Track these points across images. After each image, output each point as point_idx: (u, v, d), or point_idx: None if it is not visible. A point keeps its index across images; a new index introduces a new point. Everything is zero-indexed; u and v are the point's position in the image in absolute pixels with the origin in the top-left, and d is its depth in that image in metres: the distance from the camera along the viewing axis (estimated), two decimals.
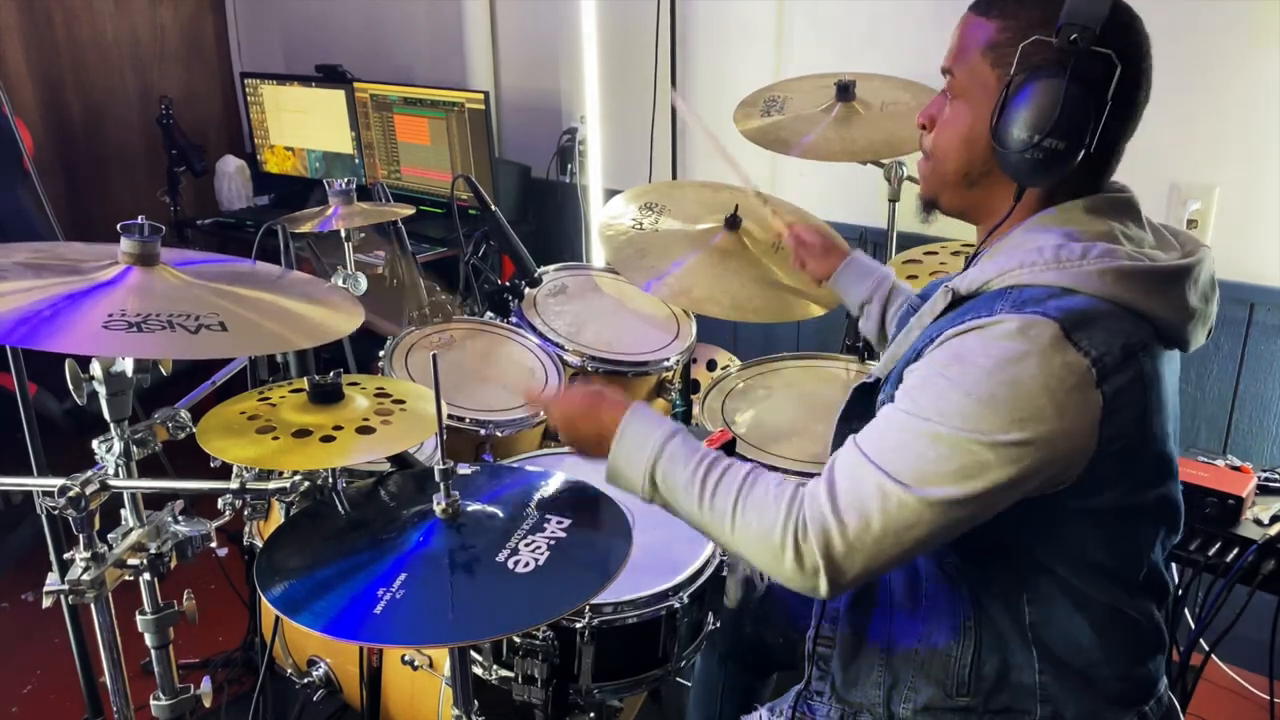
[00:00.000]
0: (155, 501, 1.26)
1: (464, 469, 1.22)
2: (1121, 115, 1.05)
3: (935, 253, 2.12)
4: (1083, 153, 1.03)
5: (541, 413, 1.23)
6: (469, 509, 1.11)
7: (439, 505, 1.08)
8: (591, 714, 1.40)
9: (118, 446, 1.20)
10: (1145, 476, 1.05)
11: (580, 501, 1.18)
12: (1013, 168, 1.06)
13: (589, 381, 1.64)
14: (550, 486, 1.21)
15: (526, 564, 1.04)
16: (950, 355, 1.00)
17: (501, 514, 1.13)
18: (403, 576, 1.01)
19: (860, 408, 1.18)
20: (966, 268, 1.17)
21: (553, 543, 1.08)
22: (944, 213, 1.20)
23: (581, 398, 1.20)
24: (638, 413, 1.14)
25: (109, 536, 1.21)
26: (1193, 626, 1.59)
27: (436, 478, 1.08)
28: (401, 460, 1.28)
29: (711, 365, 2.41)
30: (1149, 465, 1.04)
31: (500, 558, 1.04)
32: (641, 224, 2.05)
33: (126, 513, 1.24)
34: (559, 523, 1.12)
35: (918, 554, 1.00)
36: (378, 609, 0.96)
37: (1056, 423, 0.96)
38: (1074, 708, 1.09)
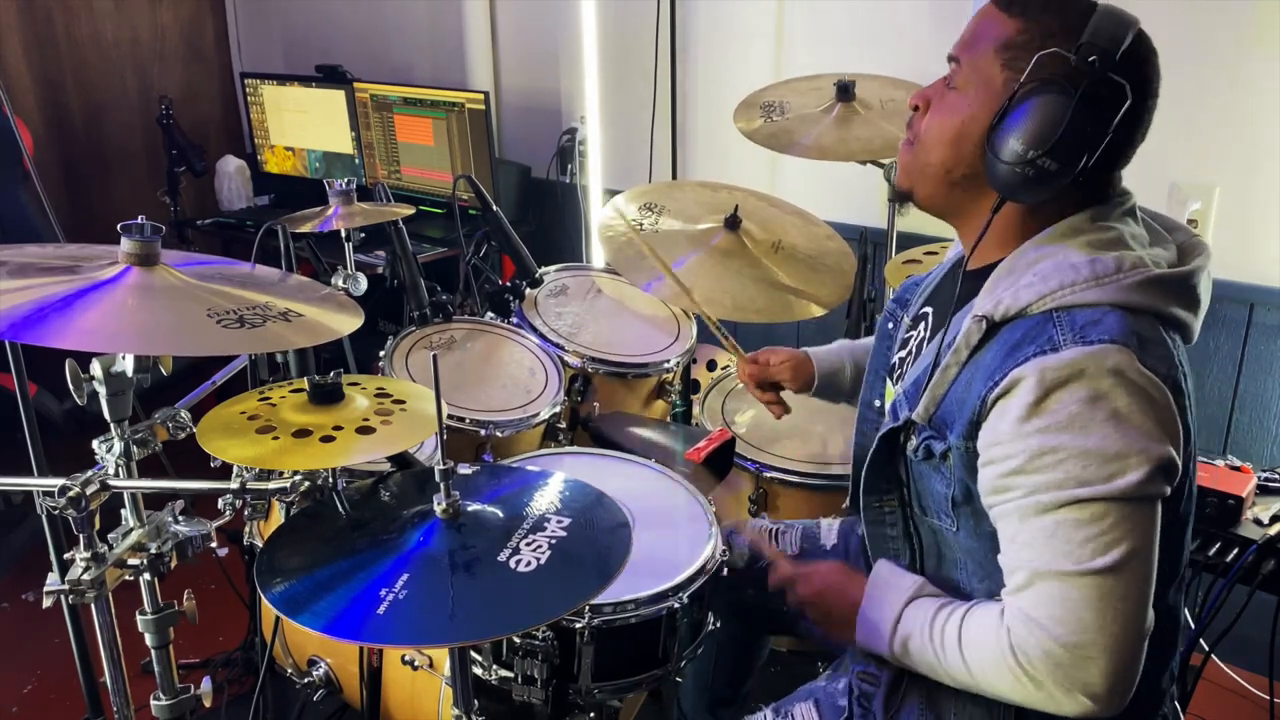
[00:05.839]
0: (155, 501, 1.26)
1: (464, 469, 1.22)
2: (1119, 146, 1.04)
3: (935, 253, 2.12)
4: (1071, 178, 1.01)
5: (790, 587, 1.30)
6: (469, 509, 1.11)
7: (439, 505, 1.08)
8: (591, 714, 1.40)
9: (118, 446, 1.20)
10: (1191, 475, 1.06)
11: (580, 501, 1.18)
12: (999, 179, 1.04)
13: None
14: (550, 486, 1.21)
15: (528, 563, 1.04)
16: (1036, 414, 0.97)
17: (501, 514, 1.13)
18: (405, 576, 1.01)
19: (887, 453, 1.16)
20: (961, 280, 1.15)
21: (553, 542, 1.08)
22: (919, 206, 1.17)
23: (828, 577, 1.24)
24: (877, 582, 1.17)
25: (109, 536, 1.21)
26: (1193, 626, 1.59)
27: (436, 478, 1.08)
28: (401, 460, 1.28)
29: (712, 365, 2.41)
30: (1192, 465, 1.06)
31: (502, 557, 1.04)
32: (642, 224, 2.05)
33: (126, 513, 1.24)
34: (559, 522, 1.12)
35: (1148, 614, 0.98)
36: (381, 609, 0.96)
37: (1165, 442, 0.96)
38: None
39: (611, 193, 3.04)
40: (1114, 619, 0.95)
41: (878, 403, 1.36)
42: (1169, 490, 0.98)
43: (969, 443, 1.04)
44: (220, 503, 1.23)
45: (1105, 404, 0.95)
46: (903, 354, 1.26)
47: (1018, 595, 1.00)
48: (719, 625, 1.48)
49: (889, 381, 1.31)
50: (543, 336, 2.00)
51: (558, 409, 1.87)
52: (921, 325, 1.24)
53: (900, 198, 1.18)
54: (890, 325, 1.36)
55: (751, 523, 1.60)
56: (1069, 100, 0.98)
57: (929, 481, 1.11)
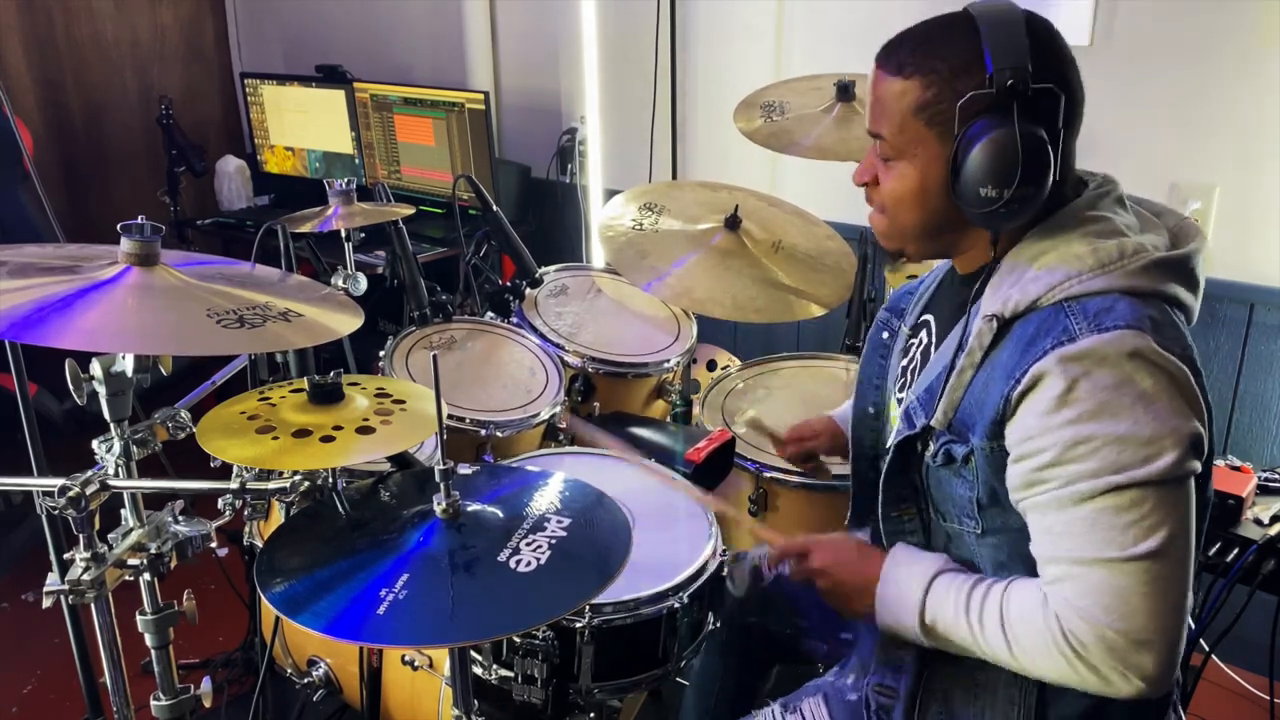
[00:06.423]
0: (155, 501, 1.26)
1: (464, 469, 1.22)
2: (1072, 132, 1.04)
3: None
4: (1048, 189, 1.01)
5: (793, 560, 1.27)
6: (469, 509, 1.11)
7: (439, 505, 1.08)
8: (591, 714, 1.40)
9: (118, 446, 1.20)
10: (1211, 456, 1.05)
11: (580, 501, 1.18)
12: (984, 220, 1.04)
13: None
14: (550, 486, 1.21)
15: (528, 563, 1.04)
16: (1065, 405, 0.96)
17: (501, 514, 1.13)
18: (405, 576, 1.01)
19: (903, 461, 1.16)
20: (960, 284, 1.15)
21: (553, 542, 1.08)
22: (913, 260, 1.18)
23: (843, 549, 1.21)
24: (897, 559, 1.14)
25: (109, 536, 1.21)
26: (1193, 626, 1.59)
27: (436, 478, 1.08)
28: (402, 460, 1.28)
29: (712, 365, 2.41)
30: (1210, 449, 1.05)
31: (502, 557, 1.04)
32: (641, 224, 2.05)
33: (126, 513, 1.24)
34: (559, 522, 1.12)
35: (1189, 591, 0.97)
36: (381, 609, 0.96)
37: (1192, 418, 0.96)
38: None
39: (611, 192, 3.04)
40: (1163, 602, 0.95)
41: (871, 409, 1.36)
42: (1200, 466, 0.98)
43: (994, 443, 1.04)
44: (220, 503, 1.23)
45: (1131, 387, 0.94)
46: (906, 362, 1.26)
47: (1058, 585, 0.99)
48: (719, 628, 1.48)
49: (892, 391, 1.31)
50: (543, 336, 2.00)
51: (558, 409, 1.87)
52: (924, 332, 1.24)
53: (894, 256, 1.19)
54: (885, 335, 1.36)
55: (754, 551, 1.59)
56: (1011, 130, 0.97)
57: (949, 487, 1.11)
